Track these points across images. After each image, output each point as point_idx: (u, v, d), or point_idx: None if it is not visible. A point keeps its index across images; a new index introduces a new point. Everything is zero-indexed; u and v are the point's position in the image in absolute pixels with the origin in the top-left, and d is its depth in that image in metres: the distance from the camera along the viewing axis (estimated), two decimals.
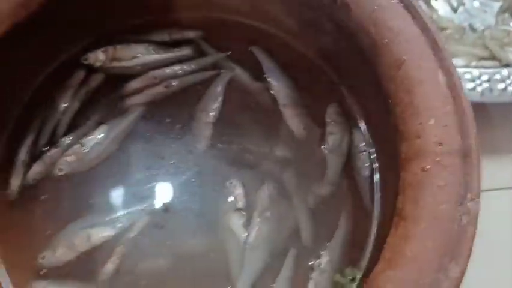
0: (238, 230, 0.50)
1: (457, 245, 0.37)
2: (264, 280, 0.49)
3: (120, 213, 0.50)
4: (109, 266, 0.48)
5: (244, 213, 0.50)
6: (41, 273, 0.48)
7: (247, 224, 0.50)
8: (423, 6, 0.69)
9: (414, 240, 0.37)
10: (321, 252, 0.49)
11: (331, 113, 0.54)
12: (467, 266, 0.37)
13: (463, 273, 0.36)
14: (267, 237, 0.50)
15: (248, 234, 0.49)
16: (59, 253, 0.48)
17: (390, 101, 0.42)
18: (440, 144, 0.39)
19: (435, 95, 0.40)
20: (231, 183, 0.51)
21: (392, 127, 0.42)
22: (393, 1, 0.43)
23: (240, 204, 0.51)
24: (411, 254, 0.37)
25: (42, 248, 0.49)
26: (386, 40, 0.42)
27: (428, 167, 0.38)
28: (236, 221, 0.50)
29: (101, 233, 0.49)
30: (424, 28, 0.42)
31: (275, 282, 0.48)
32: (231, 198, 0.51)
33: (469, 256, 0.37)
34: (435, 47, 0.41)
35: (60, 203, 0.51)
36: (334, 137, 0.53)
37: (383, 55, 0.42)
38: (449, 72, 0.41)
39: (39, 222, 0.50)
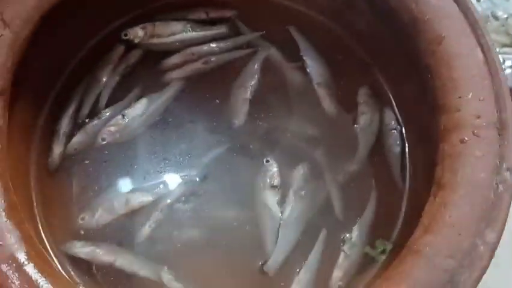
0: (273, 207, 0.51)
1: (493, 212, 0.38)
2: (296, 256, 0.50)
3: (159, 180, 0.52)
4: (145, 230, 0.50)
5: (279, 190, 0.52)
6: (80, 233, 0.50)
7: (282, 202, 0.52)
8: None
9: (453, 206, 0.39)
10: (353, 227, 0.51)
11: (363, 94, 0.56)
12: (503, 231, 0.38)
13: (498, 238, 0.38)
14: (301, 215, 0.51)
15: (283, 211, 0.51)
16: (98, 215, 0.50)
17: (430, 76, 0.43)
18: (478, 117, 0.41)
19: (474, 70, 0.42)
20: (267, 161, 0.53)
21: (429, 101, 0.44)
22: None
23: (276, 182, 0.52)
24: (450, 220, 0.38)
25: (82, 210, 0.51)
26: (427, 17, 0.44)
27: (466, 138, 0.40)
28: (271, 198, 0.52)
29: (139, 198, 0.51)
30: (463, 6, 0.44)
31: (307, 259, 0.50)
32: (267, 176, 0.52)
33: (504, 222, 0.38)
34: (474, 24, 0.43)
35: (101, 168, 0.53)
36: (365, 116, 0.55)
37: (424, 31, 0.44)
38: (487, 49, 0.42)
39: (81, 185, 0.52)
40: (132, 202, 0.51)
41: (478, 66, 0.42)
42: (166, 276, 0.48)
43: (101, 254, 0.49)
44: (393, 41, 0.50)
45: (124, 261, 0.49)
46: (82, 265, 0.49)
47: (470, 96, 0.41)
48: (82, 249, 0.49)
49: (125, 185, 0.52)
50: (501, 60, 0.63)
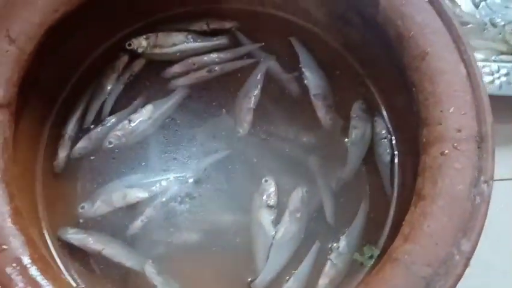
0: (267, 226, 0.53)
1: (470, 222, 0.40)
2: (286, 265, 0.52)
3: (156, 178, 0.55)
4: (137, 224, 0.53)
5: (275, 210, 0.54)
6: (79, 222, 0.53)
7: (277, 221, 0.54)
8: (446, 1, 0.71)
9: (432, 216, 0.41)
10: (341, 237, 0.53)
11: (356, 109, 0.58)
12: (478, 242, 0.40)
13: (474, 248, 0.40)
14: (294, 237, 0.53)
15: (276, 232, 0.53)
16: (97, 206, 0.54)
17: (414, 90, 0.45)
18: (459, 130, 0.42)
19: (456, 85, 0.43)
20: (266, 180, 0.55)
21: (414, 114, 0.46)
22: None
23: (272, 202, 0.54)
24: (429, 229, 0.40)
25: (83, 200, 0.54)
26: (412, 33, 0.45)
27: (446, 151, 0.42)
28: (267, 217, 0.53)
29: (136, 194, 0.54)
30: (447, 23, 0.45)
31: (297, 268, 0.52)
32: (264, 195, 0.54)
33: (480, 233, 0.40)
34: (457, 40, 0.45)
35: (109, 164, 0.56)
36: (357, 131, 0.57)
37: (409, 47, 0.46)
38: (469, 64, 0.44)
39: (86, 178, 0.56)
40: (129, 197, 0.54)
41: (461, 81, 0.44)
42: (149, 269, 0.51)
43: (91, 242, 0.52)
44: (383, 54, 0.51)
45: (111, 250, 0.52)
46: (78, 255, 0.52)
47: (451, 110, 0.43)
48: (74, 236, 0.52)
49: (127, 180, 0.55)
50: (496, 68, 0.65)
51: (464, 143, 0.42)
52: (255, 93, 0.59)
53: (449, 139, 0.42)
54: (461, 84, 0.44)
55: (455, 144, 0.42)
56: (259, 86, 0.59)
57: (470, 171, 0.41)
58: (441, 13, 0.46)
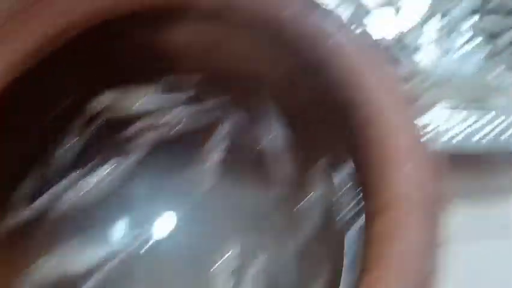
0: None
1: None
2: None
3: (114, 236, 0.55)
4: (90, 284, 0.51)
5: (234, 275, 0.53)
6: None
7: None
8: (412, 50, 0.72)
9: (385, 285, 0.40)
10: None
11: (317, 168, 0.57)
12: None
13: None
14: None
15: None
16: (49, 266, 0.52)
17: (362, 154, 0.45)
18: (407, 196, 0.42)
19: (403, 149, 0.43)
20: (227, 245, 0.54)
21: (362, 181, 0.46)
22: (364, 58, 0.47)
23: (232, 267, 0.53)
24: None
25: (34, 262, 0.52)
26: (361, 96, 0.45)
27: (395, 217, 0.41)
28: (226, 283, 0.52)
29: (91, 252, 0.53)
30: (393, 86, 0.45)
31: None
32: (224, 260, 0.53)
33: None
34: (404, 102, 0.45)
35: (61, 224, 0.54)
36: (316, 194, 0.56)
37: (357, 111, 0.46)
38: (416, 127, 0.44)
39: (39, 240, 0.54)
40: (83, 256, 0.52)
41: (407, 144, 0.43)
42: None
43: None
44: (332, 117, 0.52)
45: None
46: None
47: (398, 175, 0.42)
48: None
49: (83, 239, 0.53)
50: (463, 117, 0.65)
51: (413, 208, 0.41)
52: (221, 148, 0.59)
53: (397, 205, 0.42)
54: (408, 148, 0.43)
55: (404, 210, 0.41)
56: (225, 141, 0.59)
57: (420, 237, 0.41)
58: (390, 74, 0.46)
